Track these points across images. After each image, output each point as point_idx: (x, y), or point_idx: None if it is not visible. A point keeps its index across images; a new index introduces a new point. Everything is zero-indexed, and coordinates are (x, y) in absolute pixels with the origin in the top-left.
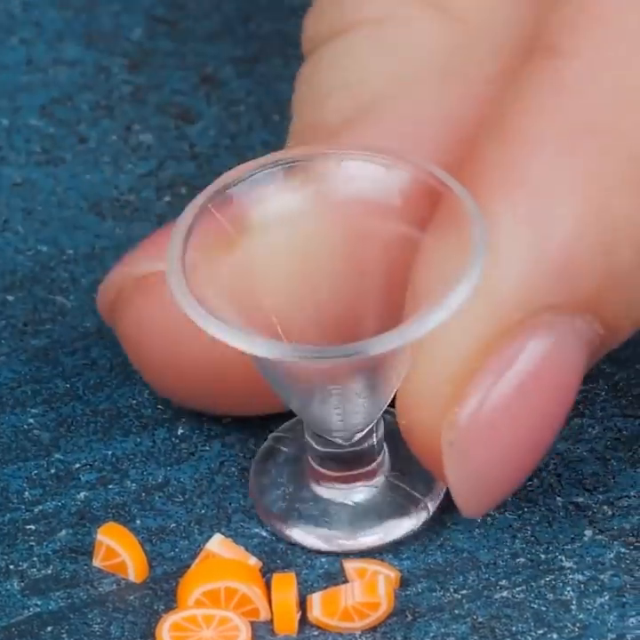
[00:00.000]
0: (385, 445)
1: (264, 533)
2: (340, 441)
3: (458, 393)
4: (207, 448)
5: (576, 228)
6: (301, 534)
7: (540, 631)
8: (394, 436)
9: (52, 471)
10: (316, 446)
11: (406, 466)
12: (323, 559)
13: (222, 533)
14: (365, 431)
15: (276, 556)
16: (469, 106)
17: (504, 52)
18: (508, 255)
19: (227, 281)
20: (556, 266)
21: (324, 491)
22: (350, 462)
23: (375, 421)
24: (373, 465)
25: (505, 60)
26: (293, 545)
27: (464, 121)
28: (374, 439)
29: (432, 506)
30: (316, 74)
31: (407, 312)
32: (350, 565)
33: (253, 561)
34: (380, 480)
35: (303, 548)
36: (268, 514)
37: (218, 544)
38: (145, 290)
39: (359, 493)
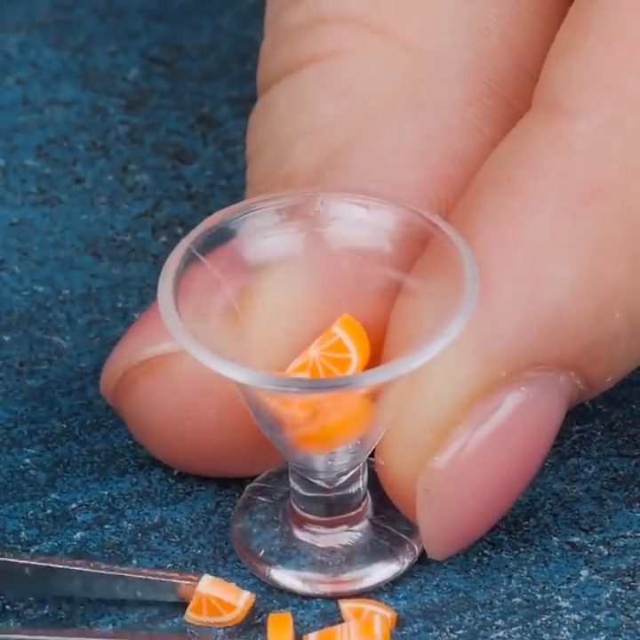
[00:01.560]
0: (367, 488)
1: None
2: (322, 484)
3: (439, 442)
4: (203, 488)
5: (570, 291)
6: (286, 579)
7: None
8: (376, 478)
9: (49, 511)
10: (301, 491)
11: (390, 508)
12: (319, 599)
13: (218, 573)
14: (350, 474)
15: (272, 595)
16: (438, 136)
17: (464, 78)
18: (501, 313)
19: (215, 327)
20: (547, 326)
21: (308, 535)
22: (337, 506)
23: (361, 465)
24: (359, 509)
25: (467, 87)
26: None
27: (437, 155)
28: (360, 483)
29: (419, 547)
30: (273, 116)
31: (391, 351)
32: (346, 605)
33: (245, 596)
34: (364, 524)
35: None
36: (252, 559)
37: (208, 585)
38: (151, 371)
39: (343, 537)
